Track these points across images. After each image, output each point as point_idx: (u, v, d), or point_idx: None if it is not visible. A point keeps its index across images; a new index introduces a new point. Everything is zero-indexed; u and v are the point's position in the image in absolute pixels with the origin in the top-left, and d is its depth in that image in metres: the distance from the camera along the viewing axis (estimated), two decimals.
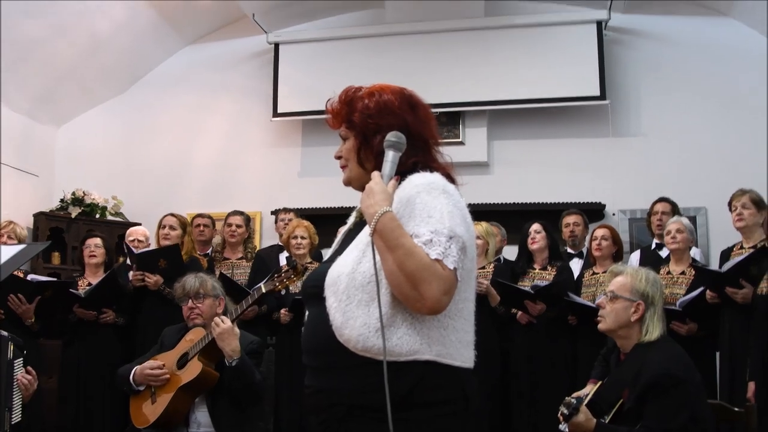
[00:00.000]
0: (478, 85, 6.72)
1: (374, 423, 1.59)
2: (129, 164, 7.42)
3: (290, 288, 4.78)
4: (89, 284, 4.87)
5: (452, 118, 6.71)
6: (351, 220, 1.93)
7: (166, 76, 7.63)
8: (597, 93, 6.50)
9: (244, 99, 7.44)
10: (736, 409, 2.75)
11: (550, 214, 5.80)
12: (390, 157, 1.72)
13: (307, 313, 1.83)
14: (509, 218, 5.98)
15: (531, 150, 6.78)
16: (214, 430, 3.39)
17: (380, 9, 7.06)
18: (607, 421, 2.56)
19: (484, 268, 4.92)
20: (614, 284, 2.79)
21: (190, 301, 3.65)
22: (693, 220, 5.72)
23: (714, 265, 5.09)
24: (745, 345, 3.98)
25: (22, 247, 2.82)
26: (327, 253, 1.92)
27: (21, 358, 2.97)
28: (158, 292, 4.83)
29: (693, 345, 3.88)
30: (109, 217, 7.08)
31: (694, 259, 4.67)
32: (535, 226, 4.99)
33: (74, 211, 6.88)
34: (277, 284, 3.28)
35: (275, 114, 7.13)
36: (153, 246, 5.31)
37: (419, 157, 1.79)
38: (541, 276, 4.89)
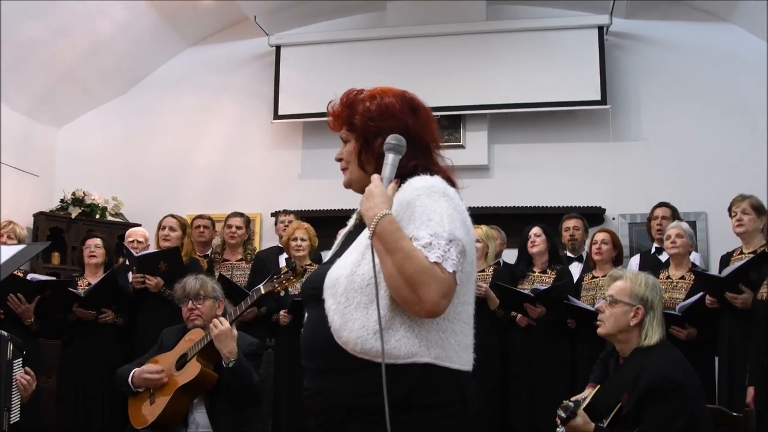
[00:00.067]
0: (479, 88, 6.73)
1: (373, 425, 1.59)
2: (129, 165, 7.43)
3: (290, 289, 4.78)
4: (89, 284, 4.87)
5: (453, 122, 6.72)
6: (351, 222, 1.93)
7: (167, 77, 7.63)
8: (598, 97, 6.51)
9: (245, 101, 7.44)
10: (735, 414, 2.75)
11: (550, 217, 5.81)
12: (390, 160, 1.73)
13: (306, 314, 1.83)
14: (509, 222, 5.98)
15: (531, 154, 6.78)
16: (212, 431, 3.39)
17: (382, 12, 7.08)
18: (605, 425, 2.56)
19: (483, 271, 4.92)
20: (614, 288, 2.79)
21: (190, 302, 3.65)
22: (693, 224, 5.73)
23: (714, 270, 5.09)
24: (745, 350, 3.97)
25: (21, 247, 2.82)
26: (327, 256, 1.92)
27: (20, 359, 2.98)
28: (158, 293, 4.83)
29: (692, 350, 3.88)
30: (109, 218, 7.08)
31: (693, 264, 4.67)
32: (535, 230, 4.99)
33: (74, 212, 6.88)
34: (276, 285, 3.28)
35: (276, 116, 7.14)
36: (152, 247, 5.31)
37: (420, 160, 1.79)
38: (541, 279, 4.90)
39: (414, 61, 6.77)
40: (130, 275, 4.98)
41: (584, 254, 5.32)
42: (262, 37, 7.20)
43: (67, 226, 6.86)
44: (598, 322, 2.82)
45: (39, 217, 6.83)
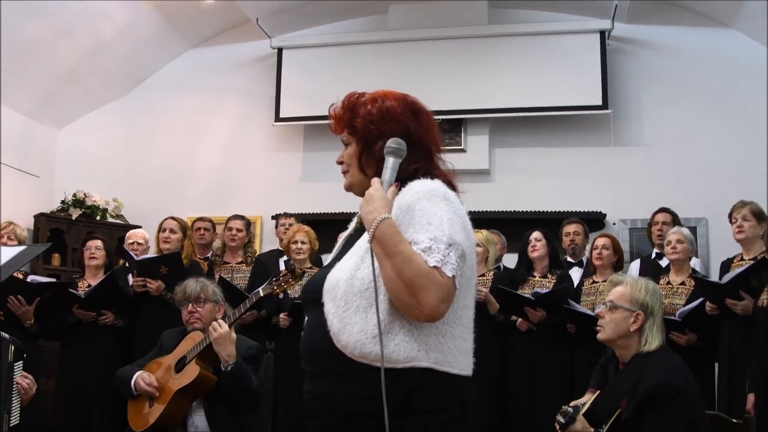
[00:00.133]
0: (481, 92, 6.73)
1: (372, 429, 1.59)
2: (130, 167, 7.43)
3: (290, 292, 4.77)
4: (89, 286, 4.86)
5: (454, 126, 6.72)
6: (352, 225, 1.92)
7: (169, 79, 7.64)
8: (599, 102, 6.51)
9: (247, 103, 7.45)
10: (735, 420, 2.74)
11: (550, 222, 5.81)
12: (390, 164, 1.72)
13: (306, 318, 1.82)
14: (510, 226, 5.98)
15: (532, 158, 6.78)
16: None
17: (384, 15, 7.08)
18: (604, 431, 2.55)
19: (483, 275, 4.91)
20: (614, 294, 2.79)
21: (190, 305, 3.65)
22: (693, 230, 5.72)
23: (714, 275, 5.09)
24: (745, 357, 3.97)
25: (22, 248, 2.83)
26: (327, 259, 1.92)
27: (21, 361, 2.97)
28: (159, 297, 4.83)
29: (692, 356, 3.87)
30: (110, 220, 7.09)
31: (694, 270, 4.67)
32: (536, 234, 4.99)
33: (75, 213, 6.89)
34: (275, 288, 3.28)
35: (277, 118, 7.14)
36: (152, 249, 5.30)
37: (420, 163, 1.79)
38: (541, 284, 4.89)
39: (415, 64, 6.78)
40: (130, 278, 4.97)
41: (584, 259, 5.32)
42: (264, 39, 7.20)
43: (67, 228, 6.86)
44: (597, 328, 2.82)
45: (39, 218, 6.84)
